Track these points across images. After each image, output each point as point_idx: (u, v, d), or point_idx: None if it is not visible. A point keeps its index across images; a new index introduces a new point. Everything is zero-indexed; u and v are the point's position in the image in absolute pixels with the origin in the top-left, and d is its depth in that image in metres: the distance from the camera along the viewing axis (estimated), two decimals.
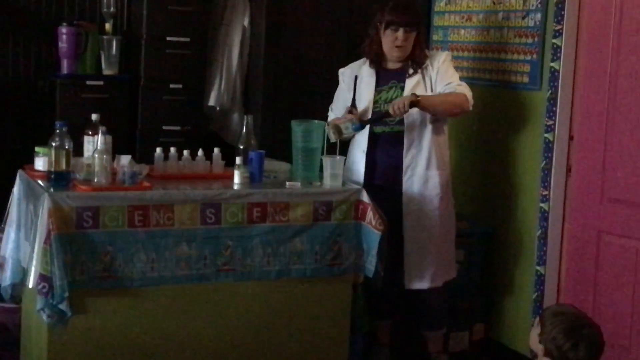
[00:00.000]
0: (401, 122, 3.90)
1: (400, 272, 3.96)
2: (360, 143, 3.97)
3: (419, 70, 3.94)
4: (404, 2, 3.95)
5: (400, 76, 3.97)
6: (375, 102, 3.95)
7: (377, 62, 3.98)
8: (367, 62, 4.01)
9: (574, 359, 2.68)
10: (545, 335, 2.73)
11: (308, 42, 4.73)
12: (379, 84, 3.97)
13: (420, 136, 3.92)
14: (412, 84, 3.93)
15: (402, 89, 3.94)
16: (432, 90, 3.92)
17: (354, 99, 3.97)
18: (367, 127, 3.90)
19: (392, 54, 3.93)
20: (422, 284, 3.96)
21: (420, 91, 3.86)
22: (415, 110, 3.82)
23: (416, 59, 3.94)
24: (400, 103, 3.73)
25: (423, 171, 3.92)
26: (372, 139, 3.94)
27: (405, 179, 3.91)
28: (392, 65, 3.99)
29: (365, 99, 3.96)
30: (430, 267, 3.95)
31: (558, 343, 2.69)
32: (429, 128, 3.91)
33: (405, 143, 3.90)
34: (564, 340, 2.69)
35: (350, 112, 3.91)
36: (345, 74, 4.08)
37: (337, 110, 4.07)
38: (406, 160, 3.91)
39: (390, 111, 3.76)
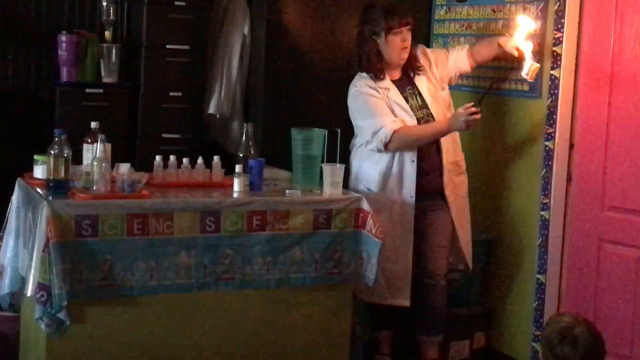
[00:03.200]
0: None
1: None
2: (409, 152, 3.94)
3: (419, 72, 4.01)
4: (393, 4, 3.99)
5: (409, 82, 4.02)
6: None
7: (386, 73, 3.97)
8: (373, 77, 3.96)
9: (561, 355, 2.65)
10: (543, 336, 2.72)
11: (308, 50, 4.73)
12: (401, 92, 3.99)
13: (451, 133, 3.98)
14: (425, 85, 4.01)
15: (419, 94, 3.99)
16: (441, 84, 4.06)
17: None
18: None
19: (400, 57, 3.95)
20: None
21: (433, 89, 4.01)
22: (441, 109, 3.99)
23: (412, 61, 4.00)
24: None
25: (455, 161, 4.05)
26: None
27: (445, 178, 3.99)
28: (394, 75, 4.00)
29: (402, 105, 3.94)
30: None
31: (549, 339, 2.67)
32: None
33: (443, 143, 3.96)
34: (554, 335, 2.67)
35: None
36: (371, 87, 3.94)
37: (387, 114, 3.88)
38: (446, 159, 3.98)
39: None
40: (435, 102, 4.01)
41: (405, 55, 3.95)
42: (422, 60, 4.06)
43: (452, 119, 3.83)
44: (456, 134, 4.05)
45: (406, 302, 3.96)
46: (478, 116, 3.76)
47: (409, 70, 4.02)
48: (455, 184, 4.07)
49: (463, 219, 4.13)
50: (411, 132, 3.89)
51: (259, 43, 4.74)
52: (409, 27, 3.93)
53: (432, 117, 3.96)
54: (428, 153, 3.97)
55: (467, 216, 4.17)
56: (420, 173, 3.94)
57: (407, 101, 3.96)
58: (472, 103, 3.79)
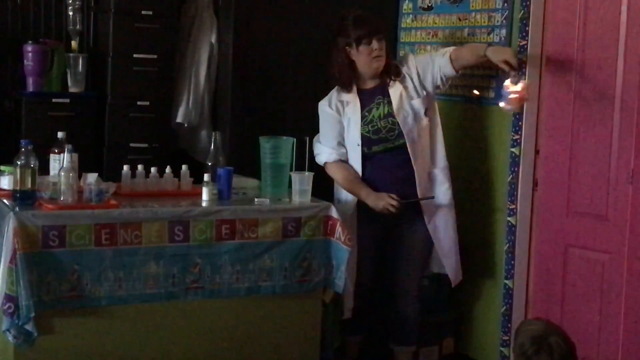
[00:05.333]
0: (401, 134, 3.93)
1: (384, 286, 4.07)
2: (354, 166, 3.97)
3: (397, 80, 3.98)
4: (364, 14, 3.97)
5: (382, 91, 3.99)
6: (369, 122, 3.95)
7: (353, 85, 3.97)
8: (343, 89, 3.98)
9: None
10: (516, 345, 2.74)
11: (276, 59, 4.74)
12: (364, 105, 3.97)
13: (420, 142, 3.96)
14: (397, 94, 3.96)
15: (389, 102, 3.96)
16: (419, 91, 3.98)
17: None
18: (359, 149, 3.95)
19: (371, 67, 3.93)
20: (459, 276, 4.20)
21: (405, 99, 3.95)
22: (410, 117, 3.94)
23: (391, 69, 3.97)
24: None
25: (432, 173, 4.04)
26: (368, 158, 3.97)
27: (420, 188, 3.95)
28: (369, 84, 3.99)
29: (354, 122, 3.95)
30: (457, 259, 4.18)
31: (524, 349, 2.70)
32: (426, 131, 3.97)
33: (411, 152, 3.92)
34: (529, 345, 2.69)
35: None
36: (330, 104, 3.99)
37: (329, 142, 3.99)
38: (417, 169, 3.94)
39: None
40: (404, 111, 3.97)
41: (378, 64, 3.93)
42: (405, 69, 4.02)
43: (377, 196, 3.87)
44: (436, 142, 4.05)
45: (347, 314, 3.97)
46: (393, 209, 3.82)
47: (386, 78, 4.00)
48: (436, 195, 4.04)
49: (444, 230, 4.09)
50: (336, 175, 3.98)
51: (227, 52, 4.74)
52: (380, 36, 3.91)
53: (398, 125, 3.95)
54: (403, 161, 3.95)
55: (451, 226, 4.11)
56: (396, 182, 3.93)
57: (370, 112, 3.96)
58: (399, 200, 3.84)
